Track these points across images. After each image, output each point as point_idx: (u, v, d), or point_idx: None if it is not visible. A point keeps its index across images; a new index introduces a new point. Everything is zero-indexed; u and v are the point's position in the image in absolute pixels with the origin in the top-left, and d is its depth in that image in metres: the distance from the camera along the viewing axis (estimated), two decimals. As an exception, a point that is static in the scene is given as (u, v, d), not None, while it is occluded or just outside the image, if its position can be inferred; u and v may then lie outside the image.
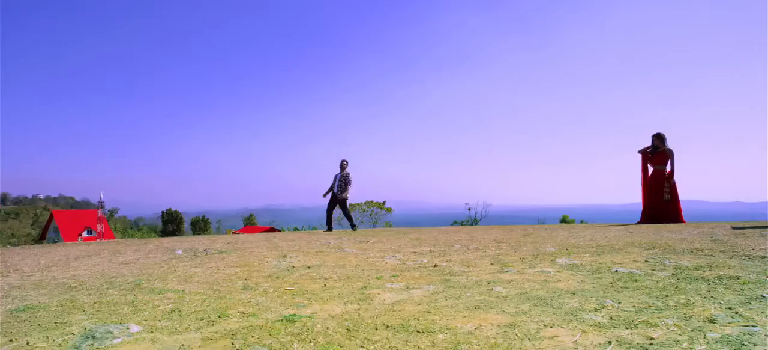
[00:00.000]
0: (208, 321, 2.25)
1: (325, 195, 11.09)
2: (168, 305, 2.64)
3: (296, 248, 5.70)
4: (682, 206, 8.97)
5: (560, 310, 2.22)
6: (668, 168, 9.08)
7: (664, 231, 6.28)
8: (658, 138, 9.18)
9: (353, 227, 10.99)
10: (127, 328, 2.16)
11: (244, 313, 2.39)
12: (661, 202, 8.96)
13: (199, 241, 7.61)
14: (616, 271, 3.27)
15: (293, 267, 4.08)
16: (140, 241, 8.47)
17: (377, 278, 3.35)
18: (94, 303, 2.77)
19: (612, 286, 2.75)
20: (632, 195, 9.70)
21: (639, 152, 9.55)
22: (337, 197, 10.92)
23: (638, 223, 8.99)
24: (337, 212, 11.35)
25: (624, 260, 3.78)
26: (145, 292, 3.06)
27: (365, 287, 3.02)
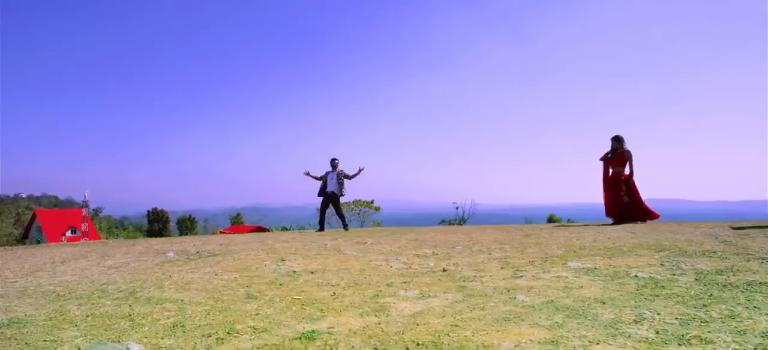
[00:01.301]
0: (217, 339, 2.06)
1: (307, 173, 10.86)
2: (169, 318, 2.43)
3: (293, 250, 5.49)
4: (666, 206, 8.91)
5: (597, 323, 2.07)
6: (627, 170, 9.04)
7: (666, 232, 6.20)
8: (616, 140, 9.17)
9: (346, 226, 10.79)
10: (127, 348, 1.96)
11: (254, 329, 2.19)
12: (622, 203, 8.93)
13: (190, 242, 7.35)
14: (636, 276, 3.14)
15: (294, 271, 3.88)
16: (128, 242, 8.18)
17: (388, 284, 3.18)
18: (87, 316, 2.55)
19: (640, 294, 2.61)
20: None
21: (600, 159, 9.49)
22: (333, 196, 10.70)
23: (611, 224, 8.90)
24: (328, 211, 11.13)
25: (638, 263, 3.66)
26: (141, 302, 2.84)
27: (377, 295, 2.84)
